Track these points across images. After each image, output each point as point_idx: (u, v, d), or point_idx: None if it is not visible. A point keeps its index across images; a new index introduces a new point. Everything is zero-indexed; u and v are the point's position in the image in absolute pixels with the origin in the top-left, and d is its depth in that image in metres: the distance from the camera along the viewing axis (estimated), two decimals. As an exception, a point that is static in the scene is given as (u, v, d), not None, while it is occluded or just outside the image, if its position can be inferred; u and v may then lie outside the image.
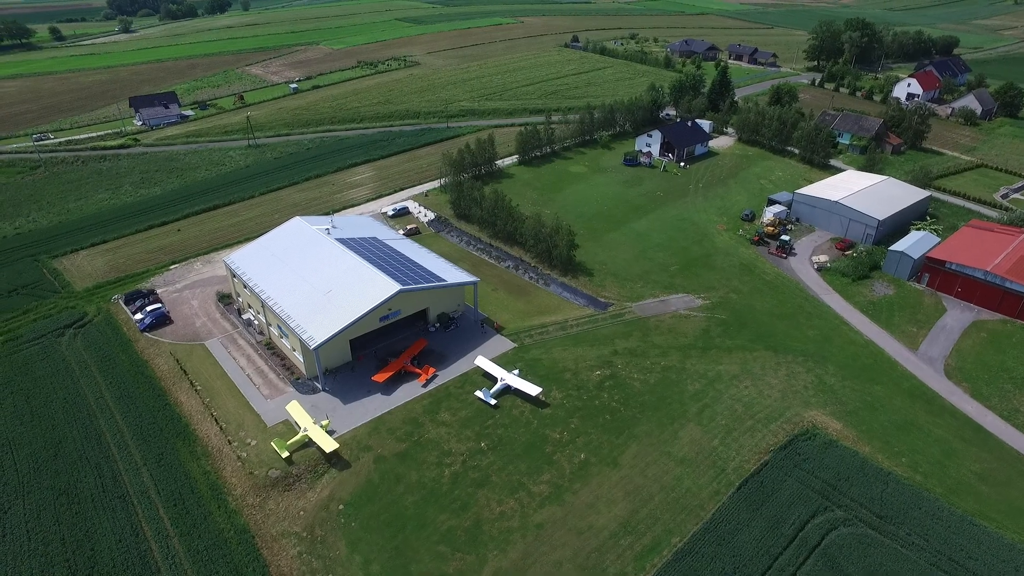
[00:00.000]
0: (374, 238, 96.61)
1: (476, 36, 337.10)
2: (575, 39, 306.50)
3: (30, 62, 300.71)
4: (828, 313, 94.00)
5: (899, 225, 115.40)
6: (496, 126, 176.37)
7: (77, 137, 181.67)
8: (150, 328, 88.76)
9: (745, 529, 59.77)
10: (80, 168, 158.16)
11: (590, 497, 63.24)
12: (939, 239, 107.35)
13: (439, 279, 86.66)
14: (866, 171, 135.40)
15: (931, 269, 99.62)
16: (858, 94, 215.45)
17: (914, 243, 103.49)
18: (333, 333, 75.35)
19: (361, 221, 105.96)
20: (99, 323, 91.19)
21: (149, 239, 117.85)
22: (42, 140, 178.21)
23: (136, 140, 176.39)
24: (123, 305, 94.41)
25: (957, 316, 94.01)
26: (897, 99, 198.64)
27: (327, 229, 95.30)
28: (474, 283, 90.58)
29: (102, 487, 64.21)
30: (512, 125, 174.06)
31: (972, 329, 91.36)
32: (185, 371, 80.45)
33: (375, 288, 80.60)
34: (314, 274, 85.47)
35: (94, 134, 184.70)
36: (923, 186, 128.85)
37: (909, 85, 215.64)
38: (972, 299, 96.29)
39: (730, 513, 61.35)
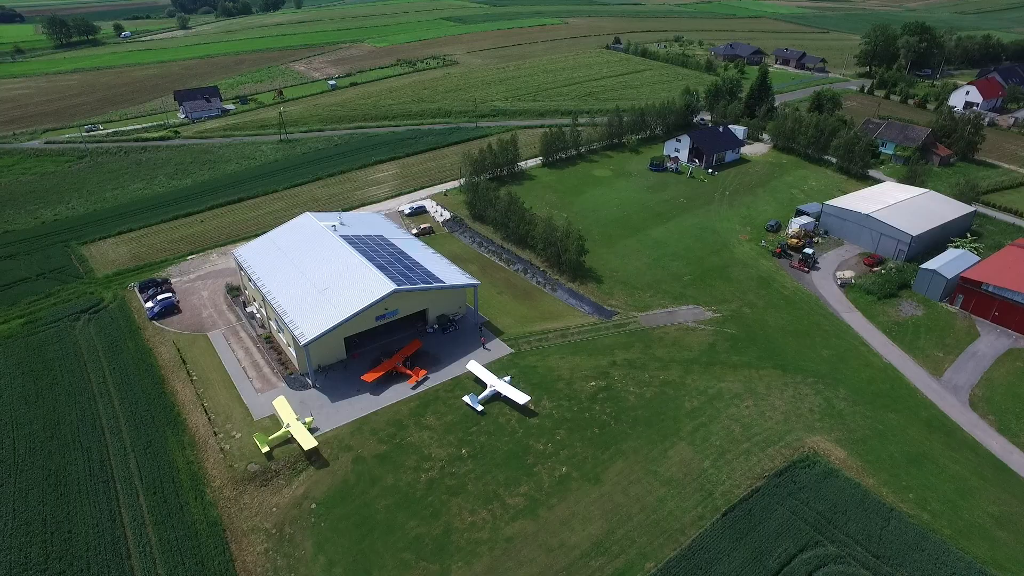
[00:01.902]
0: (380, 236, 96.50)
1: (518, 36, 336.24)
2: (617, 41, 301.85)
3: (92, 57, 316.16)
4: (847, 332, 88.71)
5: (936, 242, 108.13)
6: (526, 127, 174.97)
7: (123, 129, 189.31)
8: (158, 317, 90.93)
9: (725, 559, 56.48)
10: (122, 159, 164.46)
11: (566, 513, 61.01)
12: (978, 258, 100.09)
13: (438, 280, 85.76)
14: (906, 183, 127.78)
15: (966, 290, 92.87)
16: (910, 102, 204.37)
17: (949, 261, 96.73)
18: (324, 330, 75.33)
19: (370, 219, 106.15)
20: (113, 310, 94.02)
21: (173, 229, 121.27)
22: (92, 131, 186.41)
23: (177, 132, 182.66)
24: (137, 293, 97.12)
25: (991, 342, 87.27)
26: (951, 108, 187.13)
27: (334, 226, 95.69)
28: (474, 286, 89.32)
29: (89, 471, 65.73)
30: (542, 126, 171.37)
31: (1007, 357, 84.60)
32: (184, 360, 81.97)
33: (370, 287, 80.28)
34: (315, 270, 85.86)
35: (140, 126, 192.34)
36: (968, 201, 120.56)
37: (968, 93, 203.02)
38: (1010, 324, 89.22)
39: (711, 540, 58.10)
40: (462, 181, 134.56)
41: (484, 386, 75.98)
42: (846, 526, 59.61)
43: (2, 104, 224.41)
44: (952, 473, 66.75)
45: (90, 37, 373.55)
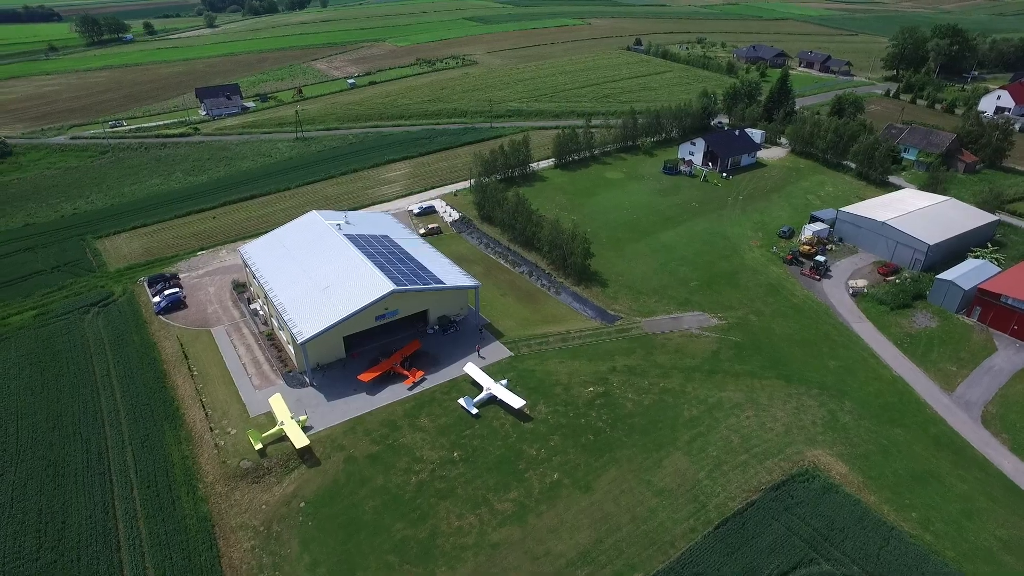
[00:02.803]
0: (384, 236, 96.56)
1: (539, 37, 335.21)
2: (638, 42, 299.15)
3: (121, 54, 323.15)
4: (856, 343, 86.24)
5: (955, 251, 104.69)
6: (541, 128, 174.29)
7: (146, 125, 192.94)
8: (165, 311, 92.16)
9: (714, 573, 55.07)
10: (142, 154, 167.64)
11: (554, 521, 60.16)
12: (999, 269, 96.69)
13: (439, 281, 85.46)
14: (927, 190, 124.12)
15: (984, 302, 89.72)
16: (938, 107, 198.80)
17: (966, 272, 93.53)
18: (322, 329, 75.49)
19: (375, 218, 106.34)
20: (122, 303, 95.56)
21: (185, 225, 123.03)
22: (116, 127, 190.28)
23: (196, 129, 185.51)
24: (146, 287, 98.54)
25: (1009, 357, 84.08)
26: (980, 113, 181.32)
27: (339, 224, 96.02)
28: (475, 287, 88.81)
29: (87, 463, 66.69)
30: (557, 127, 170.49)
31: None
32: (186, 355, 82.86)
33: (370, 286, 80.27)
34: (317, 268, 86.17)
35: (162, 122, 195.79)
36: (992, 209, 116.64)
37: (999, 98, 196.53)
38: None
39: (701, 554, 56.76)
40: (472, 182, 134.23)
41: (480, 388, 75.42)
42: (843, 544, 57.80)
43: (34, 100, 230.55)
44: (959, 493, 64.35)
45: (120, 35, 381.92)
